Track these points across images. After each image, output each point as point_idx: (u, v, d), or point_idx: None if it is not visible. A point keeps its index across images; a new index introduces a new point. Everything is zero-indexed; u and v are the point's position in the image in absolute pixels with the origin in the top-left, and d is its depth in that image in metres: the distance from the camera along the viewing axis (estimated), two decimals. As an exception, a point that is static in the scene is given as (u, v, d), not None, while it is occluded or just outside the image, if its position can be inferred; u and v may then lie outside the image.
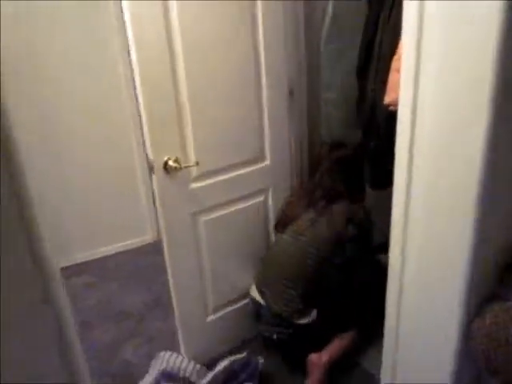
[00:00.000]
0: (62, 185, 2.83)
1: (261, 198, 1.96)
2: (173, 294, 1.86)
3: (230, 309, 2.04)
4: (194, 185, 1.74)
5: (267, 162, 1.93)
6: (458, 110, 0.99)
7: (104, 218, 2.93)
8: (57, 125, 2.69)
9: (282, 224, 1.95)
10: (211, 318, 1.99)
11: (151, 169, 1.63)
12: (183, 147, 1.66)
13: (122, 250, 2.99)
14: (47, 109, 2.64)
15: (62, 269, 2.62)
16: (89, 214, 2.93)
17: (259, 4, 1.71)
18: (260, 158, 1.91)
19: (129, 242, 3.03)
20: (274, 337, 1.91)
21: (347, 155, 1.91)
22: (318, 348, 1.86)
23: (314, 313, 1.84)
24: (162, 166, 1.63)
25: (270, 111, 1.86)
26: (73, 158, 2.80)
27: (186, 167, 1.66)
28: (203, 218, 1.82)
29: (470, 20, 0.92)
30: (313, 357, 1.84)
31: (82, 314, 2.47)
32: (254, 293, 1.95)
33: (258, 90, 1.80)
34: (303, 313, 1.84)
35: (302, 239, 1.82)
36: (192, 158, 1.69)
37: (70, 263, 2.95)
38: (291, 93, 1.94)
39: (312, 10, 1.95)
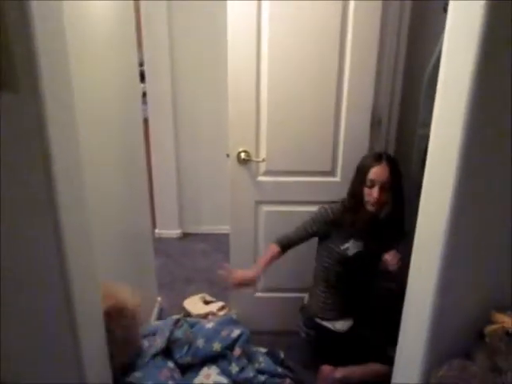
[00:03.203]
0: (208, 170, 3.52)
1: (325, 209, 2.13)
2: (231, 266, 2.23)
3: (278, 294, 2.30)
4: (262, 178, 2.10)
5: (337, 179, 2.11)
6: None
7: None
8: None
9: None
10: (259, 294, 2.30)
11: (227, 156, 2.04)
12: (256, 144, 2.04)
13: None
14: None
15: (192, 234, 3.30)
16: (219, 197, 3.54)
17: (350, 26, 1.88)
18: (330, 173, 2.10)
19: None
20: (303, 335, 2.06)
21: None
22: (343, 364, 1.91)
23: (347, 323, 1.94)
24: (235, 155, 2.03)
25: (347, 133, 2.03)
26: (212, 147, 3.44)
27: (254, 161, 2.04)
28: (265, 208, 2.15)
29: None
30: (325, 367, 1.93)
31: (190, 272, 3.07)
32: (306, 298, 2.12)
33: (337, 112, 2.01)
34: (334, 318, 1.95)
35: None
36: (261, 155, 2.04)
37: (199, 232, 3.64)
38: (378, 121, 2.06)
39: (420, 45, 2.02)
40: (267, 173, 2.08)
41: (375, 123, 2.05)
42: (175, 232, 3.62)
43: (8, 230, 0.98)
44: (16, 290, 1.03)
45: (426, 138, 2.10)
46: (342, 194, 2.08)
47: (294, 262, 2.20)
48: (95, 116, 1.49)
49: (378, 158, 1.83)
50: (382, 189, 1.80)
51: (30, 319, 1.05)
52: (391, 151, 2.12)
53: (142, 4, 3.03)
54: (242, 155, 2.02)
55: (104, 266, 1.43)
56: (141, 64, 2.82)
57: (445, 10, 1.92)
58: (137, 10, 2.42)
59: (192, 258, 3.29)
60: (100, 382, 1.24)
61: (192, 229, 3.67)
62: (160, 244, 3.38)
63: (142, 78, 3.03)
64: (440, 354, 1.18)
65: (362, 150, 2.04)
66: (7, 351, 1.06)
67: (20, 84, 0.90)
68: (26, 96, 0.90)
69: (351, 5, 1.86)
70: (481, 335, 1.09)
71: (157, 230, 3.56)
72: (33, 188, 0.96)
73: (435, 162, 1.17)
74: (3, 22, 0.86)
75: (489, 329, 1.07)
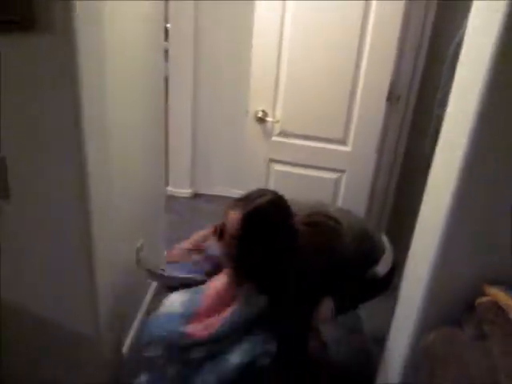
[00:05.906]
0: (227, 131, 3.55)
1: (334, 176, 2.20)
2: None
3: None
4: (276, 138, 2.17)
5: (348, 149, 2.14)
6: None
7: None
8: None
9: None
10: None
11: (246, 112, 2.13)
12: (273, 105, 2.09)
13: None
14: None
15: (203, 195, 3.32)
16: (232, 159, 3.58)
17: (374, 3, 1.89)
18: (341, 141, 2.13)
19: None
20: None
21: None
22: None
23: None
24: (253, 113, 2.12)
25: (361, 105, 2.04)
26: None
27: (269, 121, 2.11)
28: (276, 167, 2.24)
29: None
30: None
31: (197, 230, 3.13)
32: None
33: (354, 84, 2.02)
34: None
35: None
36: (276, 116, 2.11)
37: (212, 193, 3.71)
38: (397, 97, 2.06)
39: (446, 25, 2.00)
40: (281, 134, 2.15)
41: (394, 99, 2.06)
42: (186, 191, 3.69)
43: (35, 171, 1.06)
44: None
45: (441, 117, 2.13)
46: (352, 163, 2.13)
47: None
48: (123, 68, 1.53)
49: (236, 201, 1.37)
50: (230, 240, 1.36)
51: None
52: (407, 128, 2.13)
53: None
54: (260, 114, 2.10)
55: (119, 215, 1.50)
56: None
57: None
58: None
59: (201, 217, 3.35)
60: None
61: (203, 189, 3.73)
62: (171, 202, 3.45)
63: (166, 35, 3.02)
64: (432, 321, 1.22)
65: (375, 123, 2.07)
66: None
67: (57, 26, 0.95)
68: (60, 37, 0.96)
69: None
70: (472, 306, 1.15)
71: (169, 188, 3.63)
72: (61, 133, 1.03)
73: (447, 141, 1.19)
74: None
75: (480, 300, 1.12)
